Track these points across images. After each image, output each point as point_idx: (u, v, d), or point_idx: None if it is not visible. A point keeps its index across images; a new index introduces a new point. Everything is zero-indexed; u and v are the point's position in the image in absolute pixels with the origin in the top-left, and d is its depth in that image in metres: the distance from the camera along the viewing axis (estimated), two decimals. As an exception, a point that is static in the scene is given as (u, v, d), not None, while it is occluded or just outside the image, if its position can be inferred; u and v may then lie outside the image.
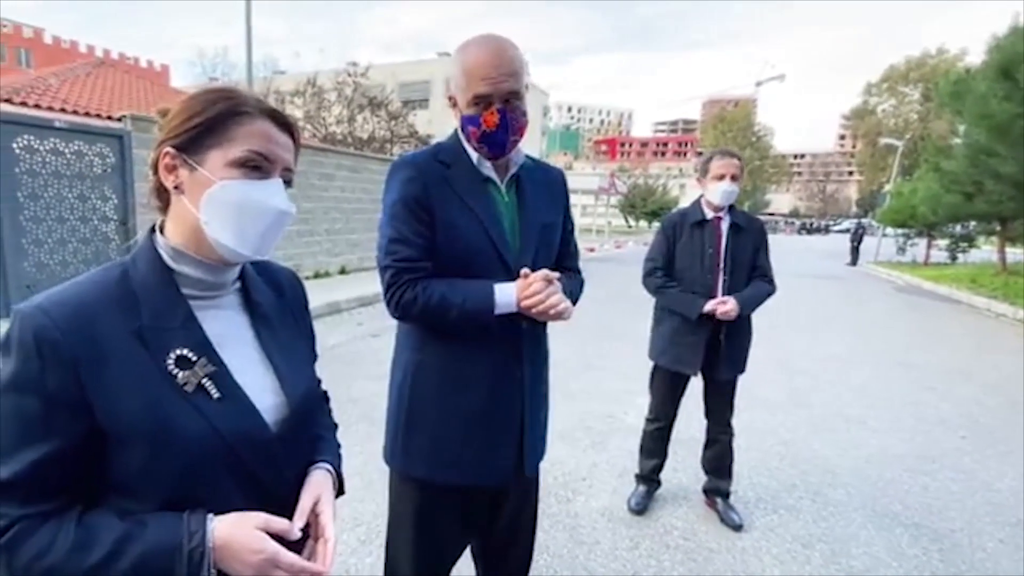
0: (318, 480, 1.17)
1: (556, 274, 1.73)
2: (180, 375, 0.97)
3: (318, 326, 1.30)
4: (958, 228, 23.14)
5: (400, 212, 1.75)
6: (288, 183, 1.08)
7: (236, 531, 0.94)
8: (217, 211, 0.99)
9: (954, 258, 23.89)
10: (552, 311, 1.70)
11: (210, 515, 0.95)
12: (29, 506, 0.89)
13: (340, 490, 1.25)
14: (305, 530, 1.08)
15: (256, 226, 1.02)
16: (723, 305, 3.24)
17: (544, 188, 1.96)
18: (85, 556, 0.88)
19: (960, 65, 43.08)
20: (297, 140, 1.11)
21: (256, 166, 1.01)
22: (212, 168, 0.99)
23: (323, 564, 1.06)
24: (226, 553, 0.93)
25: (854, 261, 25.42)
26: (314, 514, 1.11)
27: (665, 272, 3.49)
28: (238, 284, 1.15)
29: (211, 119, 0.99)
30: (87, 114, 12.38)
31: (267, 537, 0.96)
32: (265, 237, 1.04)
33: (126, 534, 0.90)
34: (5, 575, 0.89)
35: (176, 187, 1.02)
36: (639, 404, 4.65)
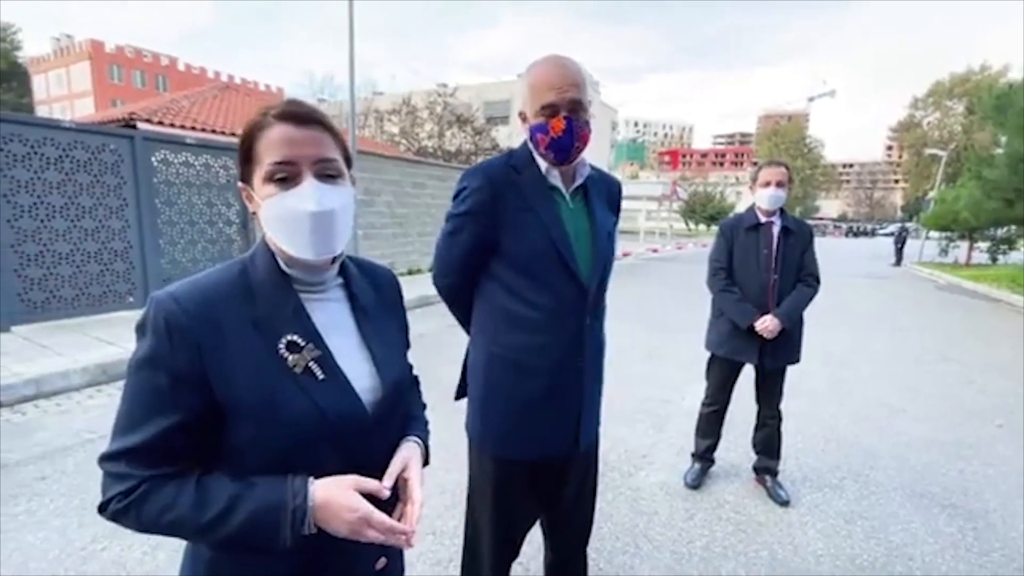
0: (408, 448, 1.17)
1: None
2: (290, 358, 0.99)
3: (410, 317, 1.34)
4: (999, 231, 22.08)
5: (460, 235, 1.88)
6: (331, 175, 1.02)
7: (333, 492, 0.95)
8: (272, 227, 1.00)
9: (995, 259, 22.74)
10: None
11: (311, 478, 0.96)
12: (156, 468, 0.93)
13: (426, 460, 1.25)
14: (395, 495, 1.09)
15: (300, 232, 0.99)
16: (762, 324, 3.30)
17: (606, 197, 1.99)
18: (204, 512, 0.91)
19: (1003, 80, 41.00)
20: (329, 126, 1.03)
21: (283, 176, 0.98)
22: (258, 190, 1.00)
23: (410, 524, 1.05)
24: (325, 513, 0.94)
25: (898, 262, 24.54)
26: (403, 479, 1.12)
27: (727, 273, 3.50)
28: (340, 280, 1.15)
29: (243, 145, 1.00)
30: (213, 131, 12.77)
31: (361, 498, 0.96)
32: (316, 239, 1.00)
33: (238, 493, 0.93)
34: (134, 526, 0.94)
35: (254, 213, 1.04)
36: (695, 390, 4.64)
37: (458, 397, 2.10)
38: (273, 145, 0.97)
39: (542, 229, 1.77)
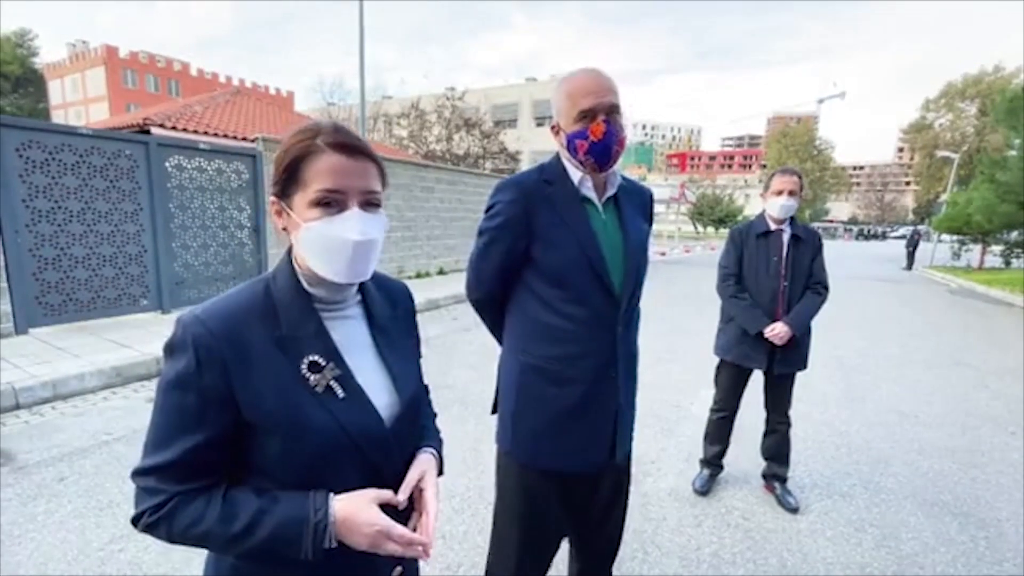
0: (423, 460, 1.19)
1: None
2: (312, 378, 1.02)
3: (418, 320, 1.36)
4: (1013, 235, 21.88)
5: (493, 248, 1.88)
6: (374, 204, 1.06)
7: (353, 507, 0.99)
8: (309, 249, 1.02)
9: (1008, 263, 22.50)
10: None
11: (331, 494, 1.00)
12: (185, 484, 0.97)
13: (440, 471, 1.27)
14: (411, 505, 1.13)
15: (340, 258, 1.02)
16: (771, 331, 3.32)
17: (639, 206, 1.97)
18: (229, 526, 0.95)
19: (1016, 82, 40.63)
20: (375, 158, 1.06)
21: (330, 202, 1.00)
22: (298, 211, 1.02)
23: (426, 534, 1.08)
24: (345, 527, 0.98)
25: (910, 265, 24.39)
26: (418, 489, 1.14)
27: (737, 279, 3.52)
28: (359, 297, 1.18)
29: (289, 165, 1.01)
30: (226, 136, 12.91)
31: (380, 512, 1.00)
32: (353, 265, 1.04)
33: (262, 508, 0.96)
34: (164, 539, 0.98)
35: (284, 229, 1.06)
36: (703, 395, 4.64)
37: (494, 411, 2.05)
38: (323, 172, 1.00)
39: (574, 241, 1.77)
